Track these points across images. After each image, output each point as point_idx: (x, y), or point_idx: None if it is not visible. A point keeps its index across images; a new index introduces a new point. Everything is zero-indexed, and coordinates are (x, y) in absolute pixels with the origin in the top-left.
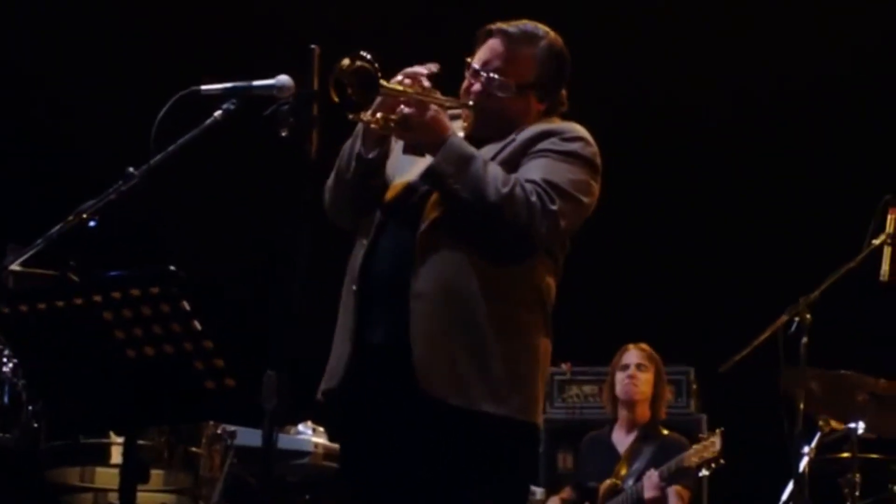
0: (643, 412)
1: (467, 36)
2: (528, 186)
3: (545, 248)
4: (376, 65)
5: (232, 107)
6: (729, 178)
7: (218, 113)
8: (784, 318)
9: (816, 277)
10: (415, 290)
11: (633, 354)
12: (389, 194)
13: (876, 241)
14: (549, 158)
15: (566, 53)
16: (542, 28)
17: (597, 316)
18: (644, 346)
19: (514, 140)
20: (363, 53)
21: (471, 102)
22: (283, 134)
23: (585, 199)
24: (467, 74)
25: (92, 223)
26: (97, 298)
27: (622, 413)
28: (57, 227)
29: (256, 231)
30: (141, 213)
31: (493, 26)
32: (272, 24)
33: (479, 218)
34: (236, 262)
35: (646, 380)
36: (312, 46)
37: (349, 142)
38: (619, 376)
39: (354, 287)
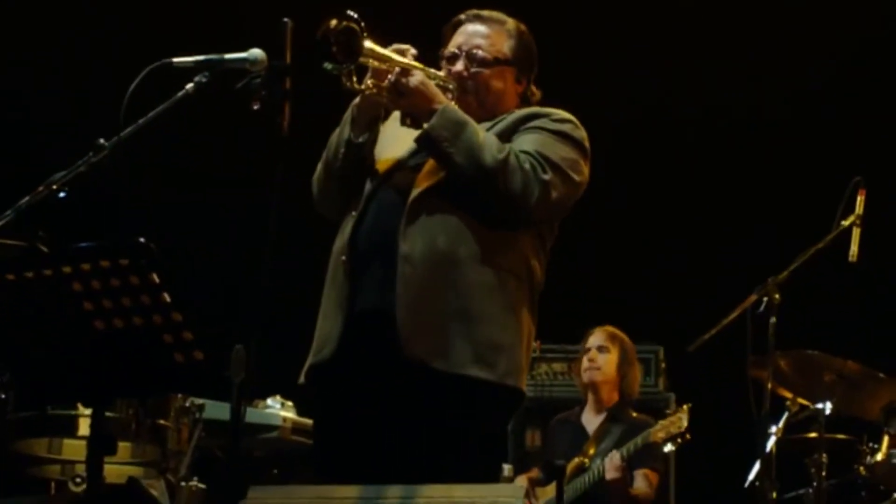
0: (610, 394)
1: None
2: (522, 156)
3: (535, 219)
4: (362, 24)
5: (204, 80)
6: (699, 159)
7: (189, 86)
8: (753, 297)
9: (786, 258)
10: (403, 252)
11: (594, 337)
12: (379, 167)
13: (845, 223)
14: (541, 134)
15: (531, 36)
16: (504, 15)
17: (566, 294)
18: (609, 327)
19: (503, 119)
20: (350, 13)
21: (451, 86)
22: (255, 107)
23: (576, 178)
24: (444, 63)
25: (62, 194)
26: (66, 270)
27: (590, 396)
28: (26, 198)
29: (227, 204)
30: (111, 184)
31: (462, 15)
32: None
33: (473, 182)
34: (206, 235)
35: (606, 361)
36: (285, 20)
37: (336, 132)
38: (583, 360)
39: (344, 257)
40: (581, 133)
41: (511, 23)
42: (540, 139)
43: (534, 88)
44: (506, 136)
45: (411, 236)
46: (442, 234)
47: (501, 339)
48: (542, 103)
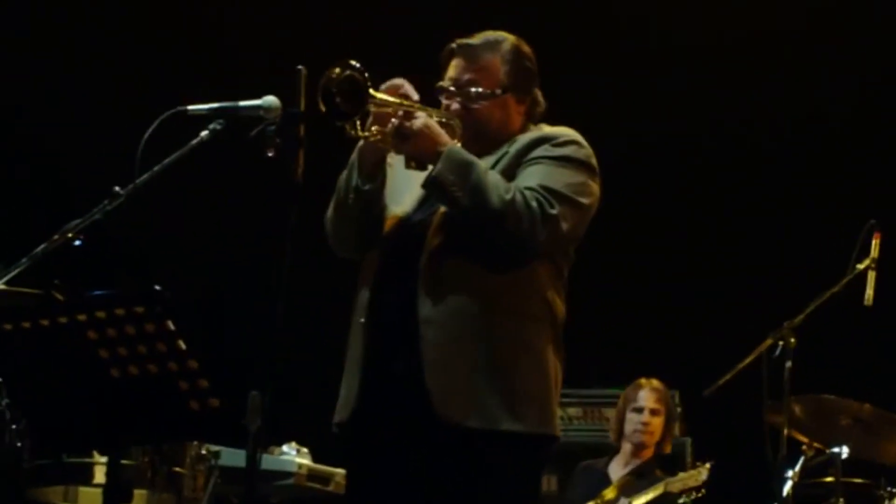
0: (648, 451)
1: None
2: (528, 193)
3: (547, 254)
4: (366, 73)
5: (218, 127)
6: (714, 201)
7: (204, 133)
8: (768, 342)
9: (801, 302)
10: (423, 316)
11: (647, 396)
12: (388, 226)
13: (860, 266)
14: (544, 165)
15: (530, 51)
16: (501, 33)
17: (582, 338)
18: (657, 384)
19: (507, 152)
20: (352, 62)
21: (454, 122)
22: (270, 154)
23: (585, 201)
24: (442, 98)
25: (77, 242)
26: (82, 318)
27: (626, 447)
28: (42, 246)
29: (241, 251)
30: (126, 232)
31: (454, 44)
32: (259, 44)
33: (480, 225)
34: (221, 282)
35: (658, 424)
36: (299, 67)
37: (344, 173)
38: (631, 416)
39: (362, 320)
40: (585, 151)
41: (506, 44)
42: (543, 171)
43: (539, 98)
44: (510, 170)
45: (429, 299)
46: (459, 291)
47: (530, 389)
48: (551, 120)
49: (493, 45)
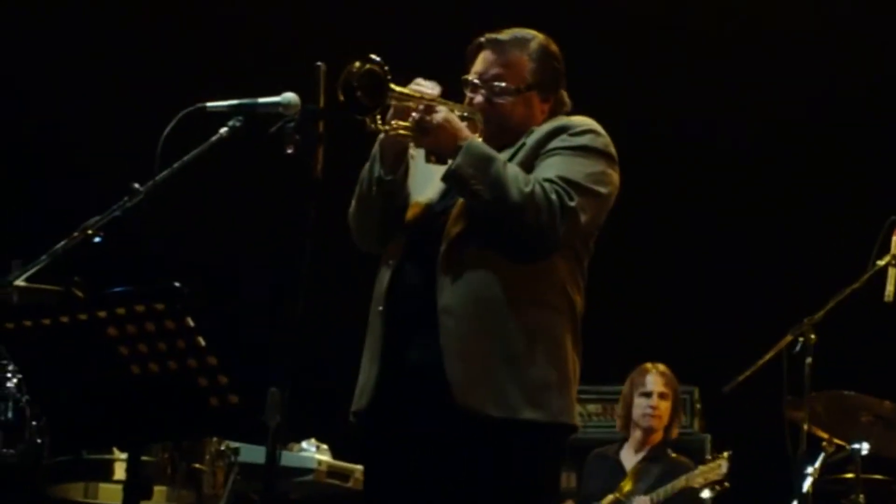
0: (656, 435)
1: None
2: (546, 185)
3: (567, 245)
4: (386, 67)
5: (238, 124)
6: (734, 197)
7: (223, 130)
8: (788, 338)
9: (821, 298)
10: (442, 305)
11: (654, 380)
12: (409, 215)
13: (881, 262)
14: (562, 156)
15: (558, 51)
16: (530, 31)
17: (601, 335)
18: (663, 368)
19: (524, 144)
20: (373, 56)
21: (476, 117)
22: (289, 151)
23: (604, 191)
24: (467, 91)
25: (97, 239)
26: (102, 314)
27: (635, 433)
28: (62, 243)
29: (260, 248)
30: (146, 229)
31: (483, 38)
32: (278, 41)
33: (500, 218)
34: (240, 279)
35: (666, 408)
36: (318, 64)
37: (367, 166)
38: (640, 401)
39: (381, 308)
40: (602, 140)
41: (534, 42)
42: (561, 162)
43: (564, 98)
44: (528, 162)
45: (448, 288)
46: (478, 281)
47: (550, 379)
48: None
49: (522, 43)
